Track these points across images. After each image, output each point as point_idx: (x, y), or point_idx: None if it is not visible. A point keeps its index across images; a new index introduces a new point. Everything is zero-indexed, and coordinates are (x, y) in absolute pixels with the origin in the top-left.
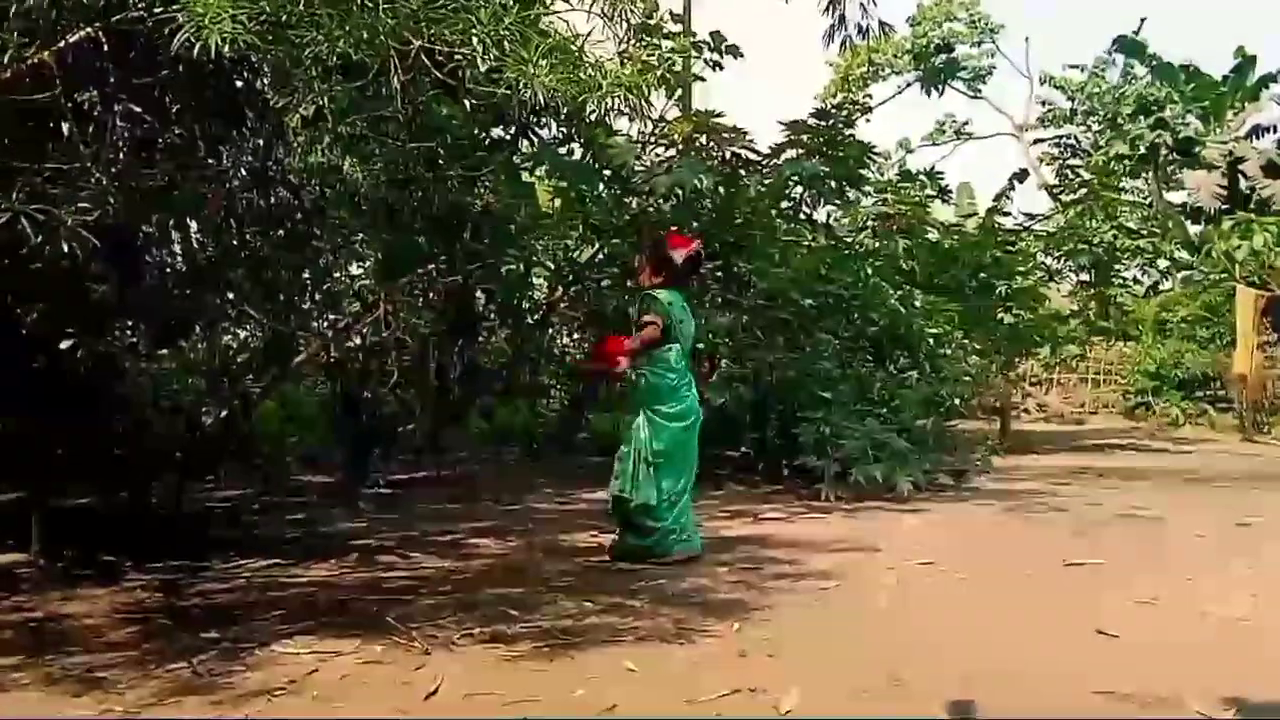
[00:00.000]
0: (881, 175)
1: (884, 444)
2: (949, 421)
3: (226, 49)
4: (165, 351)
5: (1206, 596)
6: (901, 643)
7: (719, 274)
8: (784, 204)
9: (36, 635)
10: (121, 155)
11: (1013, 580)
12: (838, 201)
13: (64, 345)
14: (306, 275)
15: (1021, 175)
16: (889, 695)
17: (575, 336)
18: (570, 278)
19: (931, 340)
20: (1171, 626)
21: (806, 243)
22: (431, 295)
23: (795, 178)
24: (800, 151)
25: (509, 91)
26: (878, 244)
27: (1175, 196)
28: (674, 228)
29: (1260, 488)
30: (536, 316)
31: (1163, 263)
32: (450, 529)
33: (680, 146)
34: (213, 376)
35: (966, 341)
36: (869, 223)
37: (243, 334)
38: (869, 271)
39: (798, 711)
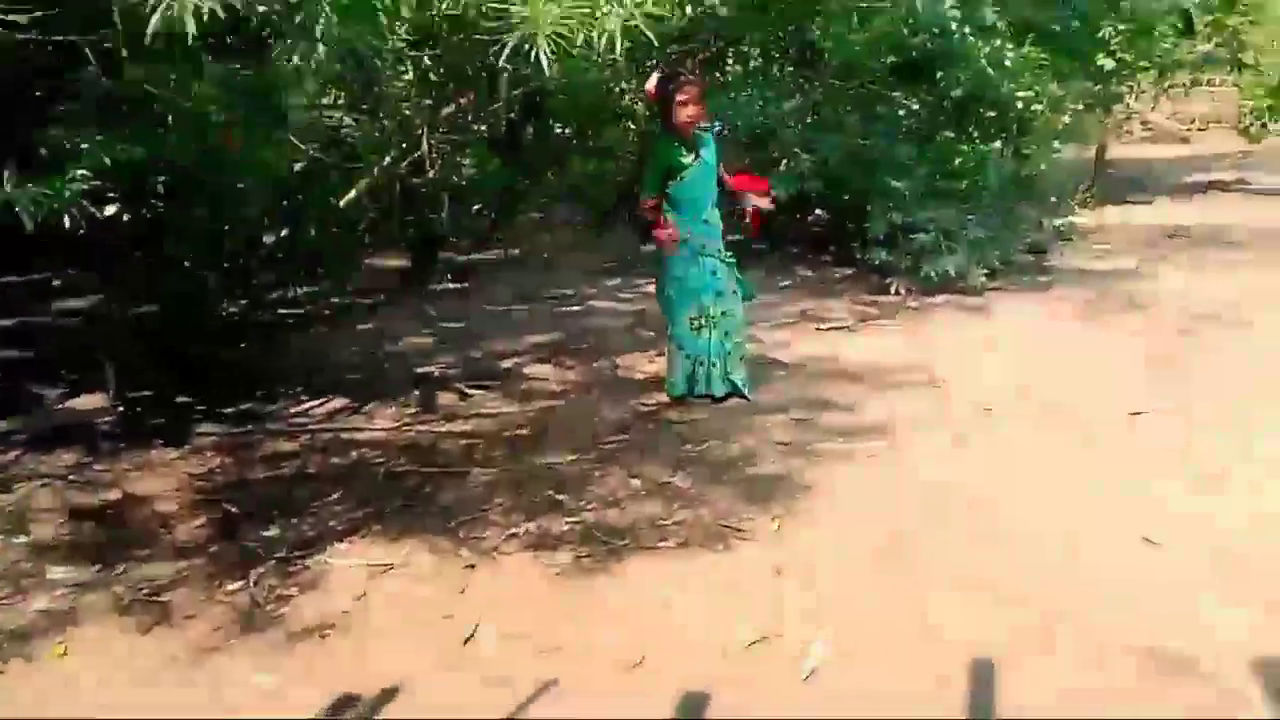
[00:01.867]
0: None
1: (958, 233)
2: (1028, 196)
3: None
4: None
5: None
6: (940, 551)
7: (787, 50)
8: None
9: (112, 530)
10: None
11: (1072, 439)
12: None
13: None
14: None
15: None
16: (923, 637)
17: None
18: None
19: (1020, 104)
20: (1225, 527)
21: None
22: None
23: None
24: None
25: None
26: None
27: None
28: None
29: None
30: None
31: None
32: (511, 347)
33: None
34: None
35: (1062, 95)
36: None
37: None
38: (953, 27)
39: (823, 670)
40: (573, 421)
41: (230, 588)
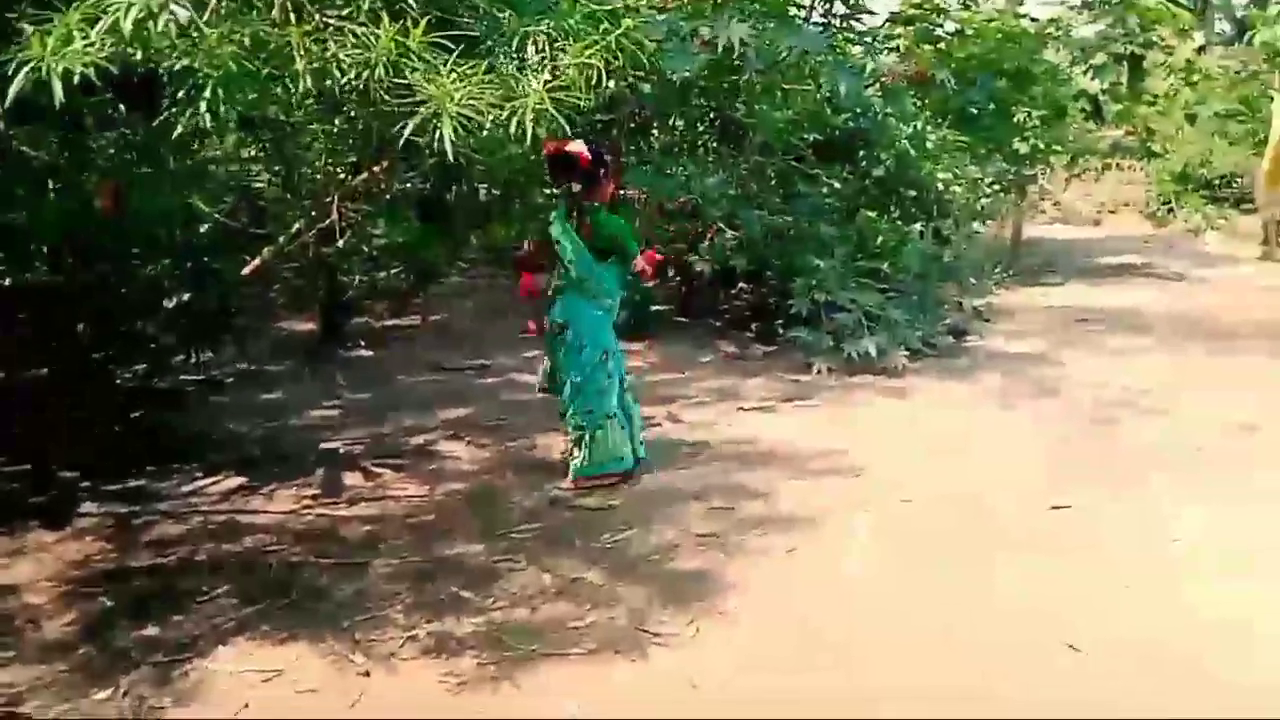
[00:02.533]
0: None
1: (881, 314)
2: (947, 277)
3: None
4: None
5: (1187, 575)
6: (858, 656)
7: (711, 124)
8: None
9: None
10: None
11: (992, 535)
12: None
13: None
14: None
15: None
16: None
17: None
18: None
19: (940, 184)
20: (1140, 626)
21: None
22: None
23: None
24: None
25: None
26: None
27: None
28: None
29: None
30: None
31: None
32: (422, 424)
33: None
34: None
35: (979, 177)
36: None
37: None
38: (875, 108)
39: None
40: (483, 507)
41: (98, 697)
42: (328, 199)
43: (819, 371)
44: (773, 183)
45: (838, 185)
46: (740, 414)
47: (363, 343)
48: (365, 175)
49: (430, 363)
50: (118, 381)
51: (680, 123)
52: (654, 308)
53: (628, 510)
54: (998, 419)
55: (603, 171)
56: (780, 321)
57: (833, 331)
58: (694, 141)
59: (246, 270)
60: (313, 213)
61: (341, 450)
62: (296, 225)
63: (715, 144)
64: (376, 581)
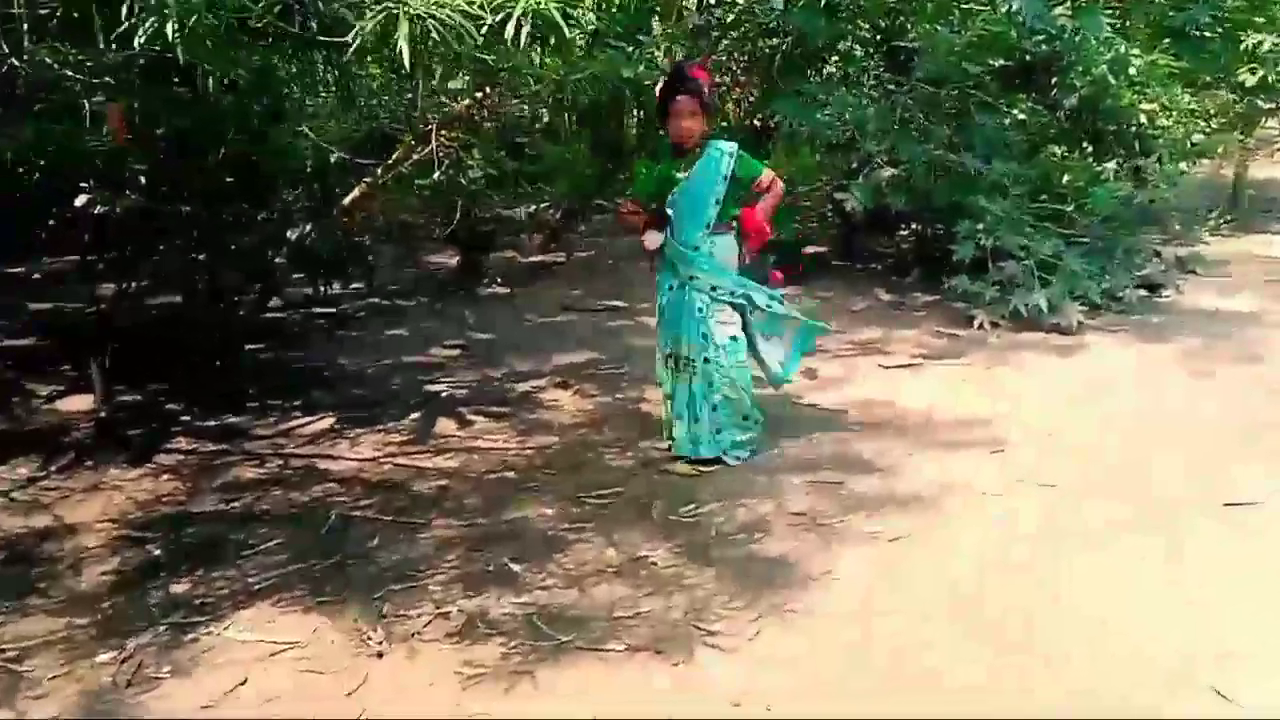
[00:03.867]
0: None
1: (1055, 264)
2: (1145, 222)
3: None
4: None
5: None
6: (955, 678)
7: (872, 52)
8: None
9: (18, 566)
10: None
11: (1148, 535)
12: None
13: None
14: None
15: None
16: None
17: None
18: None
19: (1144, 117)
20: None
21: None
22: None
23: None
24: None
25: None
26: None
27: None
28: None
29: None
30: None
31: None
32: (537, 368)
33: None
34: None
35: (1192, 109)
36: None
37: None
38: (1068, 28)
39: None
40: (570, 465)
41: (101, 659)
42: (426, 127)
43: (980, 326)
44: (945, 114)
45: (1022, 117)
46: (881, 371)
47: (500, 280)
48: (467, 103)
49: (565, 302)
50: (240, 314)
51: (841, 47)
52: (811, 249)
53: (722, 479)
54: (1184, 390)
55: (664, 107)
56: (946, 268)
57: (1000, 281)
58: (854, 69)
59: (346, 200)
60: (413, 142)
61: (444, 394)
62: (395, 155)
63: (879, 72)
64: (429, 545)
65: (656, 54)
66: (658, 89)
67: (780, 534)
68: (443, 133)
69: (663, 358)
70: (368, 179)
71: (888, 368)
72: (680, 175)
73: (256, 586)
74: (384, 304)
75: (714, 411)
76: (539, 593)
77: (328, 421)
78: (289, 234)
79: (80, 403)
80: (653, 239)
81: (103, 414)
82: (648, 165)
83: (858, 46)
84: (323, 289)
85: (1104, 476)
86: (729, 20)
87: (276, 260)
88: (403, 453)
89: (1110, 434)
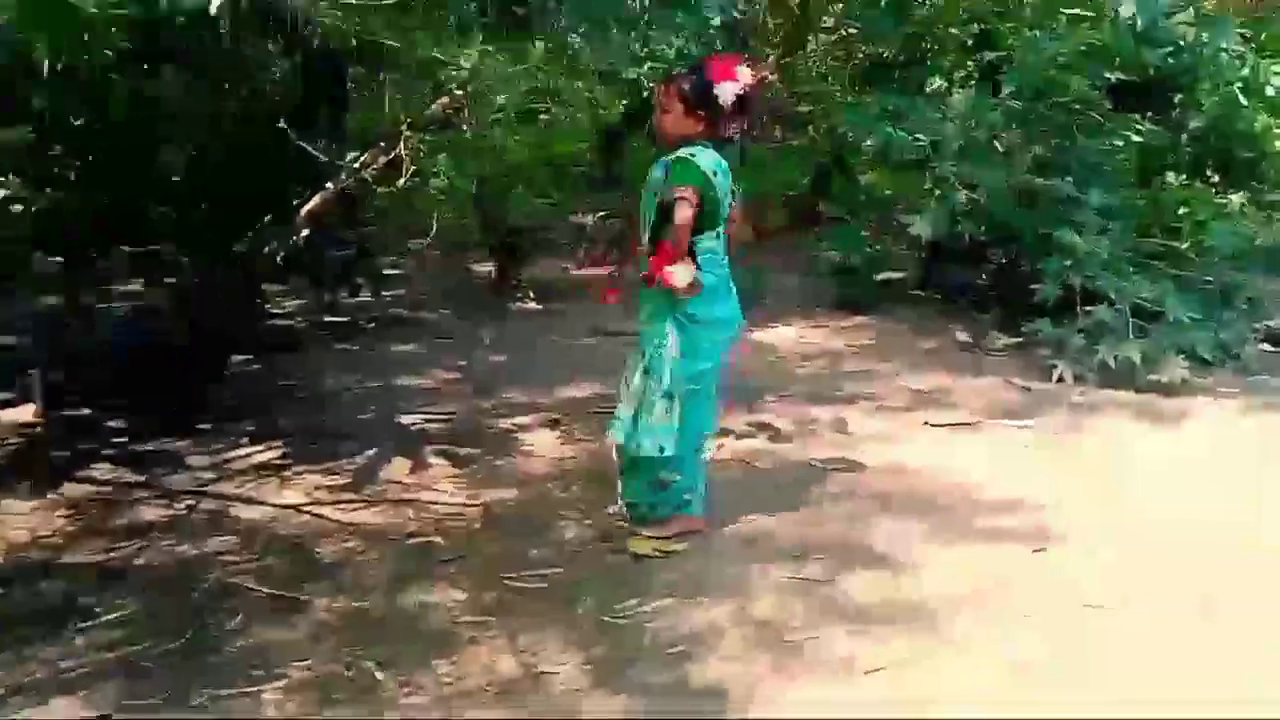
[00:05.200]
0: None
1: (1166, 310)
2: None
3: None
4: None
5: None
6: None
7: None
8: None
9: None
10: None
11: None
12: None
13: None
14: None
15: None
16: None
17: None
18: None
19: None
20: None
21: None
22: None
23: None
24: None
25: None
26: None
27: None
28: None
29: None
30: None
31: None
32: (534, 401)
33: None
34: None
35: None
36: None
37: None
38: (1189, 39)
39: None
40: (512, 531)
41: None
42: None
43: (1061, 379)
44: (1040, 133)
45: (1136, 139)
46: (928, 431)
47: (531, 294)
48: (444, 100)
49: (595, 325)
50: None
51: (925, 52)
52: (883, 275)
53: (687, 563)
54: None
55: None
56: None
57: (1087, 328)
58: (939, 80)
59: (304, 210)
60: (381, 144)
61: (415, 428)
62: (361, 159)
63: (966, 83)
64: (301, 630)
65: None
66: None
67: (729, 650)
68: (415, 134)
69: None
70: (331, 184)
71: (937, 426)
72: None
73: (70, 675)
74: (404, 315)
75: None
76: (390, 716)
77: (272, 453)
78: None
79: (22, 415)
80: (682, 274)
81: (39, 429)
82: None
83: (945, 56)
84: (325, 299)
85: (1173, 603)
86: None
87: (264, 265)
88: (332, 500)
89: (1197, 537)
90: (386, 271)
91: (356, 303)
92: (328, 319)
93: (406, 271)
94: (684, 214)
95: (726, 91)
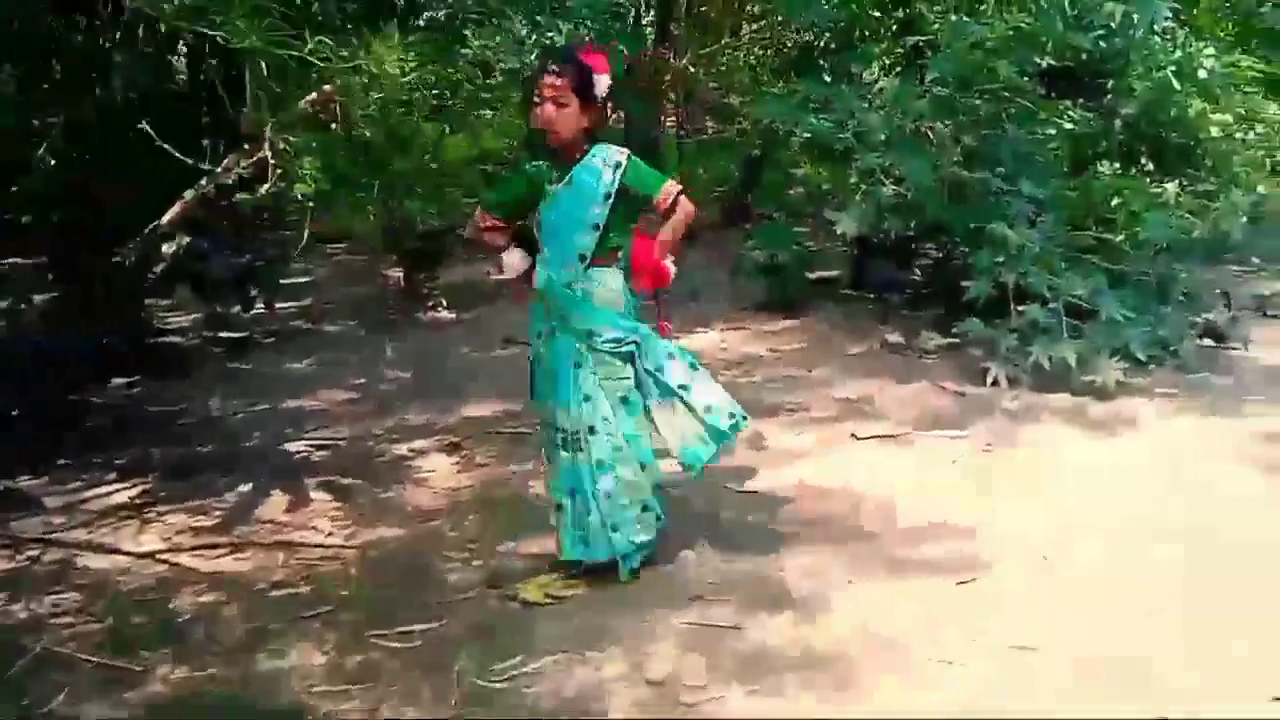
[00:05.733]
0: None
1: (1099, 307)
2: (1214, 254)
3: None
4: None
5: None
6: None
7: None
8: None
9: None
10: None
11: None
12: None
13: None
14: None
15: None
16: None
17: None
18: None
19: (1216, 130)
20: None
21: None
22: None
23: None
24: None
25: None
26: None
27: None
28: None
29: None
30: None
31: None
32: (432, 421)
33: None
34: None
35: None
36: None
37: None
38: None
39: None
40: (389, 579)
41: None
42: (263, 128)
43: (995, 382)
44: (968, 122)
45: (1068, 126)
46: (853, 444)
47: (444, 303)
48: (311, 98)
49: (509, 334)
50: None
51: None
52: (816, 274)
53: (581, 611)
54: (1254, 487)
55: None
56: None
57: (1020, 328)
58: (864, 66)
59: (165, 219)
60: (246, 146)
61: (299, 456)
62: (224, 163)
63: (893, 70)
64: (130, 708)
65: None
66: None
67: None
68: (281, 135)
69: (544, 429)
70: (192, 189)
71: (862, 438)
72: (552, 187)
73: None
74: (305, 328)
75: (607, 499)
76: None
77: (136, 490)
78: (163, 249)
79: None
80: (513, 263)
81: None
82: (520, 170)
83: (876, 43)
84: (219, 310)
85: (1112, 638)
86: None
87: (145, 278)
88: (194, 545)
89: (1136, 559)
90: (296, 280)
91: (255, 316)
92: (224, 334)
93: (317, 279)
94: (690, 205)
95: (603, 83)
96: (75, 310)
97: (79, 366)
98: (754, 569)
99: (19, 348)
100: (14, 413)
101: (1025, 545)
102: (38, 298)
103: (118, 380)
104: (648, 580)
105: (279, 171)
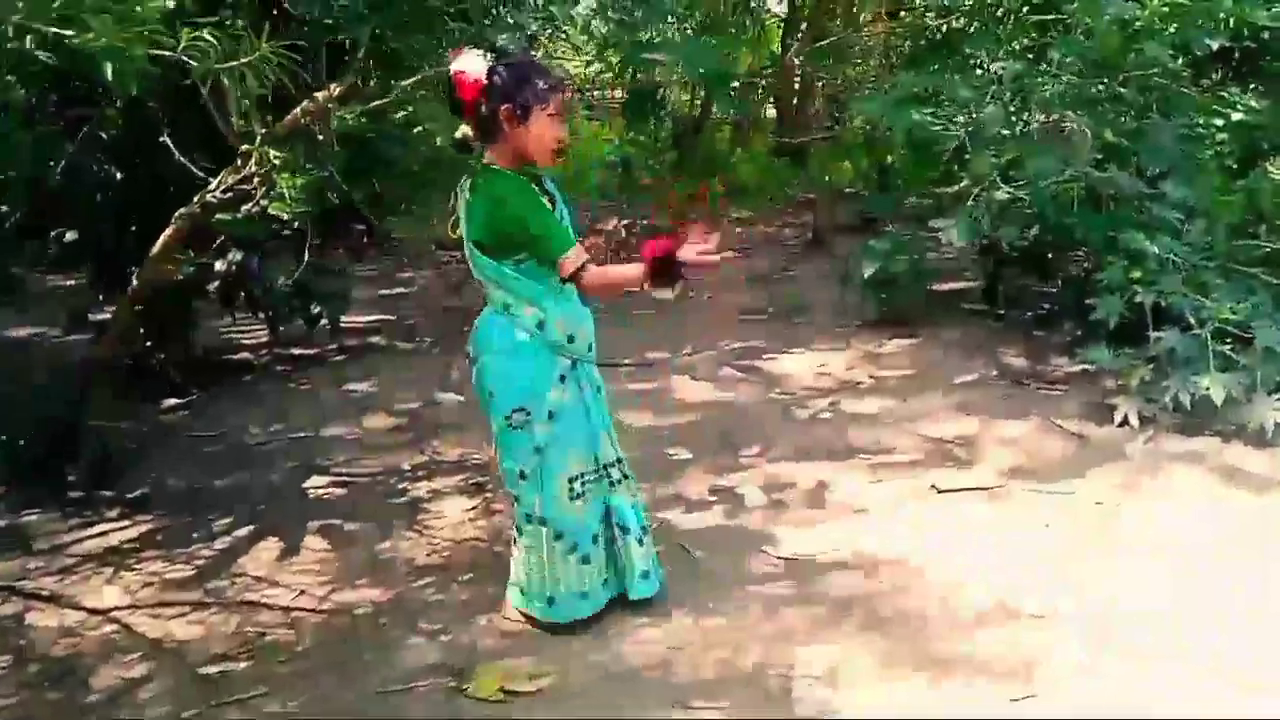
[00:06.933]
0: None
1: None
2: None
3: None
4: None
5: None
6: None
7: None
8: None
9: None
10: None
11: None
12: None
13: None
14: None
15: None
16: None
17: None
18: None
19: None
20: None
21: None
22: None
23: None
24: None
25: None
26: None
27: None
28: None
29: None
30: None
31: None
32: (467, 455)
33: None
34: None
35: None
36: None
37: None
38: None
39: None
40: (346, 652)
41: None
42: (247, 146)
43: (1124, 422)
44: (1108, 114)
45: (1237, 117)
46: (933, 498)
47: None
48: (298, 110)
49: (622, 351)
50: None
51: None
52: (946, 286)
53: (539, 708)
54: None
55: (525, 107)
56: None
57: (1157, 357)
58: (983, 52)
59: (157, 247)
60: (238, 161)
61: (312, 494)
62: (216, 181)
63: (1019, 55)
64: None
65: None
66: (480, 77)
67: None
68: (266, 150)
69: (566, 485)
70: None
71: (944, 491)
72: (552, 207)
73: None
74: (380, 345)
75: (643, 535)
76: None
77: (132, 531)
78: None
79: None
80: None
81: None
82: (531, 199)
83: (1002, 26)
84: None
85: None
86: None
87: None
88: (155, 602)
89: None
90: (392, 291)
91: (329, 330)
92: (294, 351)
93: (416, 290)
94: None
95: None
96: (123, 328)
97: (122, 387)
98: (761, 663)
99: (54, 374)
100: (31, 442)
101: (1121, 647)
102: (94, 316)
103: (170, 401)
104: (630, 670)
105: (262, 190)
